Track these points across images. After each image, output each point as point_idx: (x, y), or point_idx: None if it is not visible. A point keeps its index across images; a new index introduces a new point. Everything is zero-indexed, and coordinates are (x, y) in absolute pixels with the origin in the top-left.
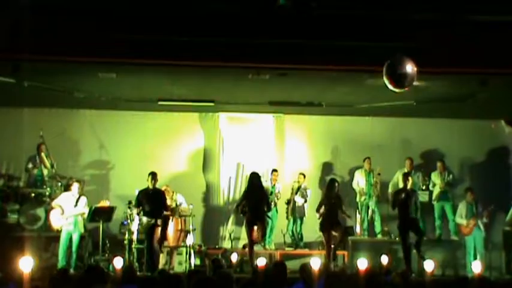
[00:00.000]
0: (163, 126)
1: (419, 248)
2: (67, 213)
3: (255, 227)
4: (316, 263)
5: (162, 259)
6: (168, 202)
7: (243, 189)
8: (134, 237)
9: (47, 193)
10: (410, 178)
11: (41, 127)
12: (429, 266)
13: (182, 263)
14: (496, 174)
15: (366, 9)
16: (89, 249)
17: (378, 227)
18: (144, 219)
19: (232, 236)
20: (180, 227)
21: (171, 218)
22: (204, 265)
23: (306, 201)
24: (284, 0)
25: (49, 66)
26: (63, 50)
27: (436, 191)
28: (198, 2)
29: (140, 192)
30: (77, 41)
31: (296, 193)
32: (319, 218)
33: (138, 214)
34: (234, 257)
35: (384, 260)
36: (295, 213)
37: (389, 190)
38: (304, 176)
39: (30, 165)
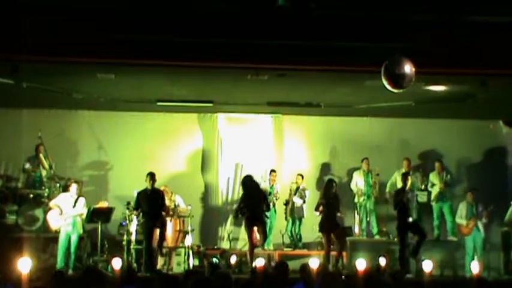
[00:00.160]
0: (162, 127)
1: (419, 250)
2: (65, 214)
3: (255, 228)
4: (315, 263)
5: (161, 260)
6: (167, 203)
7: (241, 190)
8: (133, 238)
9: (46, 194)
10: (409, 178)
11: (39, 128)
12: (428, 266)
13: (181, 263)
14: (494, 174)
15: (364, 10)
16: (87, 250)
17: (375, 228)
18: (143, 219)
19: (231, 236)
20: (178, 228)
21: (169, 218)
22: (202, 266)
23: (304, 202)
24: (283, 1)
25: (48, 67)
26: (62, 51)
27: (435, 191)
28: (197, 2)
29: (139, 193)
30: (75, 41)
31: (295, 194)
32: (319, 215)
33: (137, 216)
34: (234, 259)
35: (382, 261)
36: (294, 214)
37: (387, 190)
38: (303, 177)
39: (28, 166)
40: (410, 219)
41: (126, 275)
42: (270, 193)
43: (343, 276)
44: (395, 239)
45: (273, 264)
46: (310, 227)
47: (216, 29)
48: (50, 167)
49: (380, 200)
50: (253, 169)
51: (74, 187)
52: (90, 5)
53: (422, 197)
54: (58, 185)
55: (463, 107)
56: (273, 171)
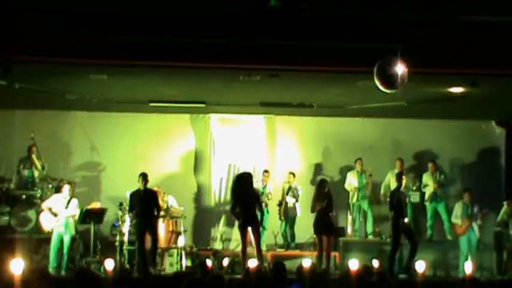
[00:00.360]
0: (155, 128)
1: (410, 265)
2: (58, 216)
3: (249, 229)
4: (307, 264)
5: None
6: (160, 203)
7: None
8: (125, 238)
9: (38, 195)
10: (404, 177)
11: (32, 129)
12: (420, 266)
13: (173, 264)
14: (487, 174)
15: (356, 10)
16: (80, 251)
17: (369, 228)
18: (135, 220)
19: (224, 237)
20: (171, 229)
21: (162, 219)
22: (195, 266)
23: (297, 200)
24: (275, 1)
25: (40, 67)
26: (55, 52)
27: (429, 191)
28: (190, 3)
29: (132, 194)
30: (68, 42)
31: (287, 193)
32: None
33: (131, 218)
34: (226, 260)
35: (375, 263)
36: (287, 214)
37: (382, 192)
38: (294, 175)
39: (21, 167)
40: (406, 220)
41: (121, 276)
42: (263, 193)
43: (335, 276)
44: (388, 240)
45: (265, 264)
46: (304, 227)
47: (208, 30)
48: (43, 168)
49: (373, 200)
50: (246, 170)
51: (66, 188)
52: (83, 6)
53: (414, 197)
54: (50, 186)
55: (455, 108)
56: (265, 171)
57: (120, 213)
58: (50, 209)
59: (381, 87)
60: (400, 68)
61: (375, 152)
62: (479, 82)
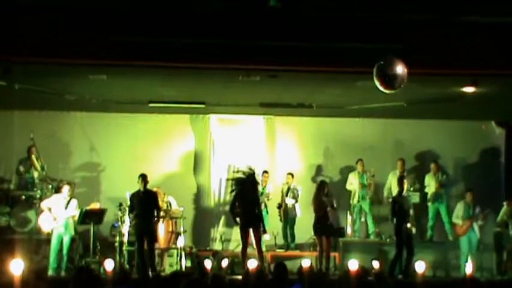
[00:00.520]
0: (154, 128)
1: (408, 271)
2: (57, 216)
3: (250, 229)
4: (307, 264)
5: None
6: (160, 204)
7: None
8: (125, 239)
9: (38, 196)
10: (405, 182)
11: (31, 129)
12: (420, 267)
13: (173, 265)
14: (487, 175)
15: (356, 11)
16: (79, 252)
17: (371, 228)
18: (135, 221)
19: (223, 237)
20: (171, 229)
21: (162, 219)
22: (194, 267)
23: (296, 201)
24: (274, 1)
25: (40, 68)
26: (54, 52)
27: (430, 191)
28: (189, 3)
29: (132, 195)
30: (67, 42)
31: (286, 194)
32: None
33: (131, 219)
34: (225, 261)
35: (376, 264)
36: (287, 214)
37: (385, 195)
38: (293, 176)
39: (20, 168)
40: (409, 225)
41: (120, 276)
42: (262, 194)
43: (335, 277)
44: (388, 240)
45: (265, 265)
46: (304, 227)
47: (207, 30)
48: (42, 169)
49: (375, 201)
50: (250, 168)
51: (66, 189)
52: (83, 6)
53: (414, 198)
54: (50, 186)
55: (455, 108)
56: (265, 172)
57: (119, 213)
58: (49, 209)
59: (381, 88)
60: (400, 69)
61: (375, 152)
62: (479, 82)
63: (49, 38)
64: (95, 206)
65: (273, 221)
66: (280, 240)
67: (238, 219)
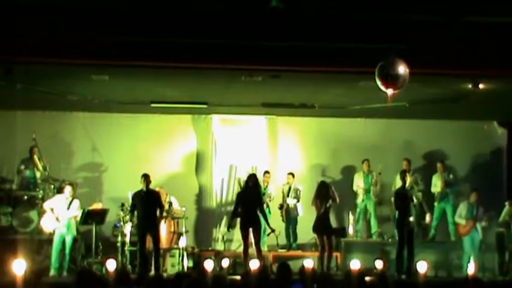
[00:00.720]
0: (156, 129)
1: (411, 269)
2: (60, 216)
3: (250, 229)
4: (309, 264)
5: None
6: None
7: (235, 192)
8: (127, 239)
9: (40, 196)
10: (408, 176)
11: (33, 129)
12: (422, 267)
13: (175, 265)
14: (489, 175)
15: (358, 11)
16: (81, 252)
17: (373, 228)
18: (137, 221)
19: (225, 238)
20: (172, 229)
21: (163, 220)
22: (196, 267)
23: (298, 200)
24: (277, 1)
25: (42, 68)
26: (56, 52)
27: (437, 191)
28: (191, 4)
29: (134, 195)
30: (69, 43)
31: (288, 195)
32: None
33: (131, 219)
34: (225, 261)
35: (379, 264)
36: (289, 214)
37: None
38: (293, 176)
39: (23, 168)
40: (411, 219)
41: (120, 276)
42: (264, 194)
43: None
44: (390, 240)
45: (267, 265)
46: (306, 227)
47: (209, 31)
48: (44, 169)
49: (381, 199)
50: (248, 170)
51: (68, 189)
52: (84, 6)
53: (417, 195)
54: (52, 186)
55: (457, 108)
56: (266, 172)
57: (121, 214)
58: (51, 209)
59: (383, 88)
60: (402, 69)
61: (378, 152)
62: (480, 83)
63: (51, 38)
64: (97, 206)
65: (274, 221)
66: (283, 240)
67: (234, 220)
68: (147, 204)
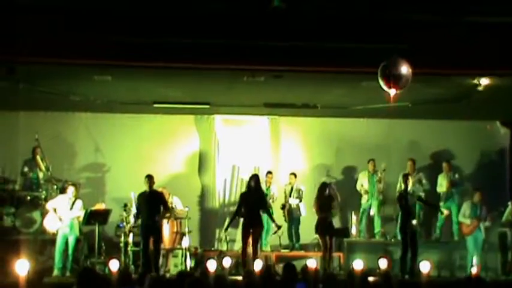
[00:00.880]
0: (159, 129)
1: (414, 269)
2: (63, 217)
3: (251, 230)
4: (312, 264)
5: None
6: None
7: (238, 192)
8: (130, 239)
9: (43, 196)
10: (410, 178)
11: (36, 130)
12: (425, 267)
13: (178, 265)
14: (492, 175)
15: (361, 11)
16: (84, 252)
17: (376, 228)
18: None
19: (228, 238)
20: (175, 229)
21: (166, 220)
22: (199, 267)
23: (301, 200)
24: (278, 1)
25: (44, 69)
26: (59, 53)
27: (442, 191)
28: (193, 4)
29: (139, 196)
30: (72, 43)
31: (290, 195)
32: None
33: (135, 218)
34: (226, 261)
35: (383, 263)
36: (292, 215)
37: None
38: (295, 176)
39: (25, 169)
40: (414, 222)
41: (121, 276)
42: (267, 194)
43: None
44: (392, 240)
45: (269, 265)
46: (308, 228)
47: (211, 31)
48: (47, 169)
49: (385, 198)
50: (250, 171)
51: (71, 189)
52: (86, 6)
53: (419, 193)
54: (55, 187)
55: (459, 108)
56: (269, 172)
57: (124, 214)
58: (54, 210)
59: (385, 88)
60: (405, 69)
61: (381, 152)
62: (483, 82)
63: (54, 38)
64: (100, 206)
65: (277, 221)
66: (285, 241)
67: (233, 221)
68: (151, 204)
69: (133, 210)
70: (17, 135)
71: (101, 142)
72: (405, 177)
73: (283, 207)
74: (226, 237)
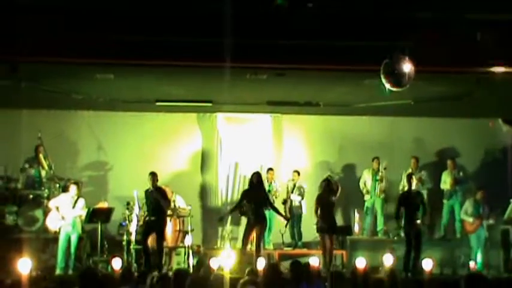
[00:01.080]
0: (161, 127)
1: (417, 258)
2: (65, 215)
3: (255, 228)
4: (314, 262)
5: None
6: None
7: (240, 190)
8: (132, 238)
9: (45, 195)
10: (414, 178)
11: (39, 129)
12: (427, 264)
13: (181, 263)
14: (494, 172)
15: (363, 9)
16: (87, 251)
17: (379, 225)
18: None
19: (230, 236)
20: (178, 228)
21: (169, 218)
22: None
23: (302, 198)
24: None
25: (47, 67)
26: (60, 52)
27: (446, 188)
28: (196, 2)
29: (145, 193)
30: (74, 42)
31: (292, 191)
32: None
33: (137, 216)
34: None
35: (388, 259)
36: (293, 212)
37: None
38: (299, 174)
39: (28, 167)
40: (418, 221)
41: (123, 275)
42: (269, 191)
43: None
44: (395, 238)
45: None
46: (311, 226)
47: (214, 29)
48: (50, 168)
49: (388, 196)
50: (253, 169)
51: (73, 188)
52: (89, 5)
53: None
54: (58, 185)
55: (462, 106)
56: (270, 169)
57: (127, 212)
58: (57, 208)
59: (388, 86)
60: (407, 67)
61: (383, 150)
62: (483, 81)
63: (56, 37)
64: (103, 205)
65: (279, 218)
66: (288, 239)
67: (227, 215)
68: (153, 202)
69: (136, 208)
70: (19, 133)
71: (103, 140)
72: (409, 177)
73: (284, 202)
74: (228, 235)
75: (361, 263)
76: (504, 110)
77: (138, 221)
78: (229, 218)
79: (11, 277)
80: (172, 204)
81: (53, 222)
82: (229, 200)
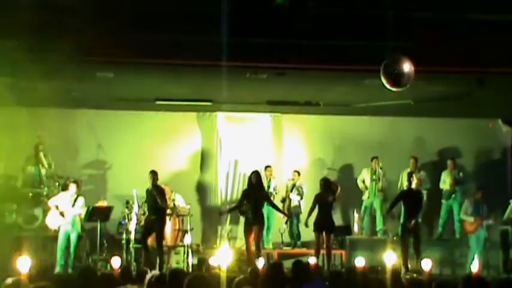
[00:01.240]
0: (161, 126)
1: (418, 254)
2: (65, 214)
3: (254, 227)
4: (312, 262)
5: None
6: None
7: (240, 189)
8: (132, 236)
9: (45, 193)
10: (414, 177)
11: (38, 127)
12: (427, 265)
13: (180, 262)
14: (493, 172)
15: (363, 8)
16: (86, 249)
17: (378, 225)
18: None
19: (230, 235)
20: (177, 227)
21: (168, 217)
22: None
23: (301, 198)
24: None
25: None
26: (61, 49)
27: (445, 188)
28: (196, 1)
29: (146, 192)
30: (74, 40)
31: (291, 191)
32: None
33: (137, 215)
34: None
35: (390, 259)
36: (291, 211)
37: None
38: (299, 174)
39: (27, 165)
40: (413, 222)
41: (122, 274)
42: (269, 187)
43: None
44: (395, 238)
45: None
46: (310, 225)
47: (214, 28)
48: (50, 166)
49: (387, 196)
50: (253, 168)
51: (73, 186)
52: (89, 3)
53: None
54: (57, 184)
55: (461, 106)
56: (268, 166)
57: (126, 211)
58: (56, 207)
59: (387, 86)
60: (407, 67)
61: (383, 150)
62: (486, 80)
63: (57, 35)
64: (102, 203)
65: (279, 219)
66: (287, 238)
67: (227, 213)
68: (151, 201)
69: (135, 207)
70: (19, 131)
71: (103, 139)
72: (409, 176)
73: (283, 200)
74: (228, 235)
75: (360, 262)
76: (504, 110)
77: (137, 219)
78: (229, 217)
79: (10, 275)
80: (171, 203)
81: (52, 221)
82: (228, 199)
